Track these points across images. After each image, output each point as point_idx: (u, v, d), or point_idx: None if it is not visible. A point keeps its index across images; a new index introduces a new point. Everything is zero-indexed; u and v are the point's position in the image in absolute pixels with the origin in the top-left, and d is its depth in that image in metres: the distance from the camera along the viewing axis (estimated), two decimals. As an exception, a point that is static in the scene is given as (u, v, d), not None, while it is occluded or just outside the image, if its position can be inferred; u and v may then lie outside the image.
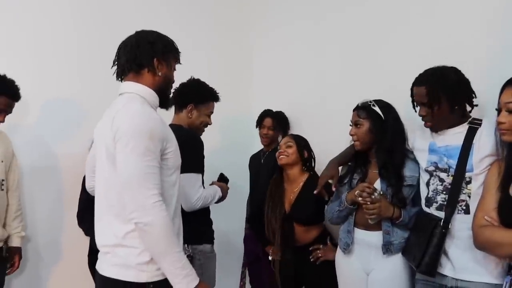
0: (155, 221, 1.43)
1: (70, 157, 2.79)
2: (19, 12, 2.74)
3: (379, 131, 1.99)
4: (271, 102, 3.21)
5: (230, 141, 3.39)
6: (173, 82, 1.72)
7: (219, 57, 3.33)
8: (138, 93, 1.57)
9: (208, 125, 2.37)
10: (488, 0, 2.01)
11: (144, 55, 1.57)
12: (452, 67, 1.81)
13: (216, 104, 2.39)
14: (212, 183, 2.36)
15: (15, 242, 2.49)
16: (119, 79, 1.64)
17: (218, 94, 2.36)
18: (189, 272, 1.49)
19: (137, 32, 1.63)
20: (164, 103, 1.70)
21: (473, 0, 2.07)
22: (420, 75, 1.85)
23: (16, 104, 2.41)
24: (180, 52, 1.70)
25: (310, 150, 2.54)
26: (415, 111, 1.91)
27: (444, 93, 1.76)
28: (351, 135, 2.06)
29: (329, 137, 2.53)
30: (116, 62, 1.63)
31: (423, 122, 1.93)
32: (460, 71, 1.81)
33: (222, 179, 2.43)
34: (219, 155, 3.23)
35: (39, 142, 2.77)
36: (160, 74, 1.60)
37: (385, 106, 2.04)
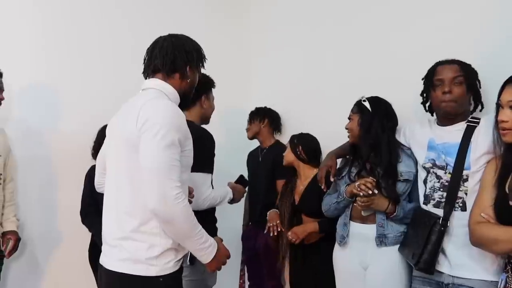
0: (177, 215, 1.46)
1: (62, 148, 2.81)
2: (17, 7, 2.74)
3: (365, 125, 2.03)
4: (269, 99, 3.21)
5: (228, 137, 3.38)
6: (196, 85, 1.81)
7: (217, 53, 3.32)
8: (163, 90, 1.65)
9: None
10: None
11: (179, 63, 1.68)
12: None
13: (214, 101, 2.38)
14: (228, 184, 2.33)
15: (8, 227, 2.48)
16: (145, 75, 1.72)
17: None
18: (210, 242, 1.56)
19: (173, 37, 1.71)
20: (184, 104, 1.77)
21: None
22: (443, 60, 1.87)
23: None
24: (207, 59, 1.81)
25: (306, 146, 2.54)
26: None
27: (472, 74, 1.84)
28: (346, 128, 2.13)
29: (326, 132, 2.54)
30: (146, 60, 1.71)
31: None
32: None
33: (241, 181, 2.40)
34: (217, 151, 3.23)
35: (31, 134, 2.77)
36: (188, 80, 1.71)
37: (376, 102, 2.07)
